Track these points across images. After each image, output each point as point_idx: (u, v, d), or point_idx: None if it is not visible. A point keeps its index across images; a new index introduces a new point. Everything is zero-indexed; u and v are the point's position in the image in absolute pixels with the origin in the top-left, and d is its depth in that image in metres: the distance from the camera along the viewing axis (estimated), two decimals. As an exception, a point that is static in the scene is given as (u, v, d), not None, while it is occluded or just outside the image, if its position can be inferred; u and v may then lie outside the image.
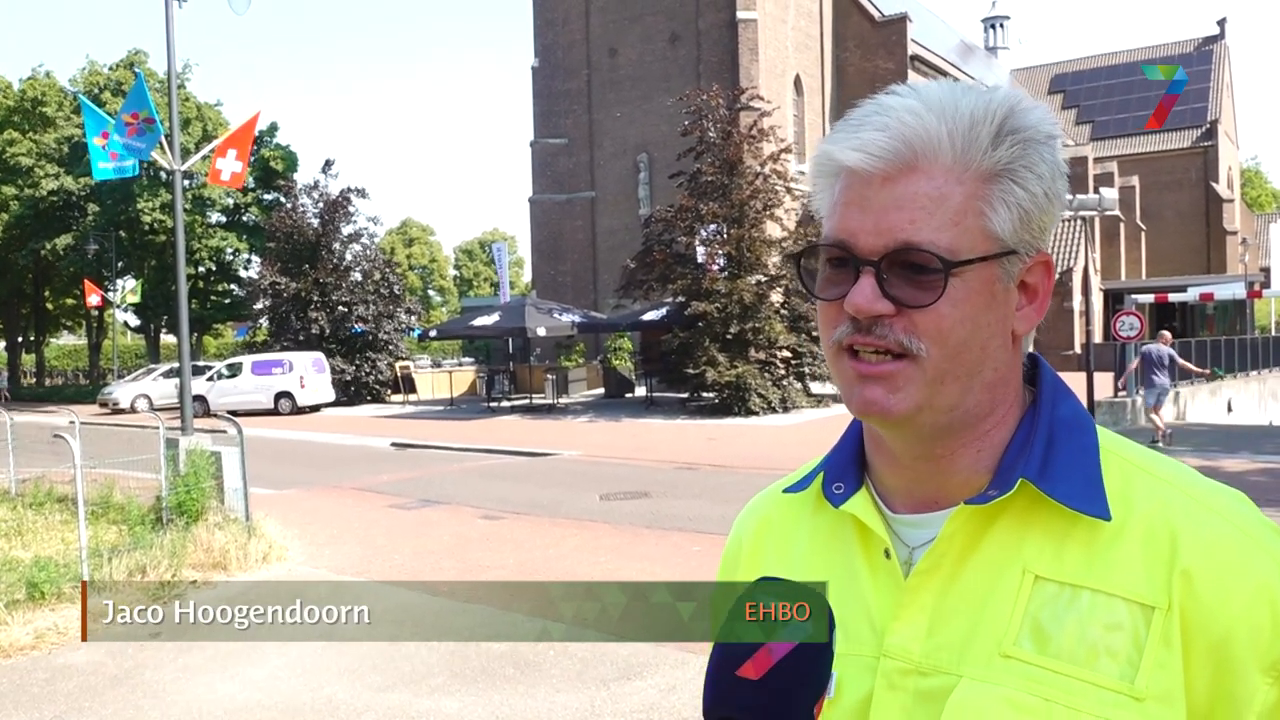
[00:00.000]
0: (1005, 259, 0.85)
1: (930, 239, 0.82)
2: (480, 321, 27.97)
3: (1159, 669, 0.78)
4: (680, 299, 24.76)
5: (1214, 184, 50.39)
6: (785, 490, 1.03)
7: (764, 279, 24.35)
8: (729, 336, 23.38)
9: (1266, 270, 49.09)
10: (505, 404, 29.48)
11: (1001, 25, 64.40)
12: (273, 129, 43.56)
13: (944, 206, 0.83)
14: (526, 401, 29.27)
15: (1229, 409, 24.80)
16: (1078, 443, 0.88)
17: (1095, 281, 40.14)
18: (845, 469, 0.95)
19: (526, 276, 64.01)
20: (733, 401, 23.22)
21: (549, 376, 29.31)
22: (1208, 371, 18.43)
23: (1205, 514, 0.82)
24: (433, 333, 32.85)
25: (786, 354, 24.53)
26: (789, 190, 26.05)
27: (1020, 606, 0.83)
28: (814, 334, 24.71)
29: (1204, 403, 23.56)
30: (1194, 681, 0.78)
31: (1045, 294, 0.89)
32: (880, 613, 0.89)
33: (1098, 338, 34.96)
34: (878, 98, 0.88)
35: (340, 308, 32.46)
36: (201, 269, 43.13)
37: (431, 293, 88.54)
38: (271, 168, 41.72)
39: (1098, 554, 0.82)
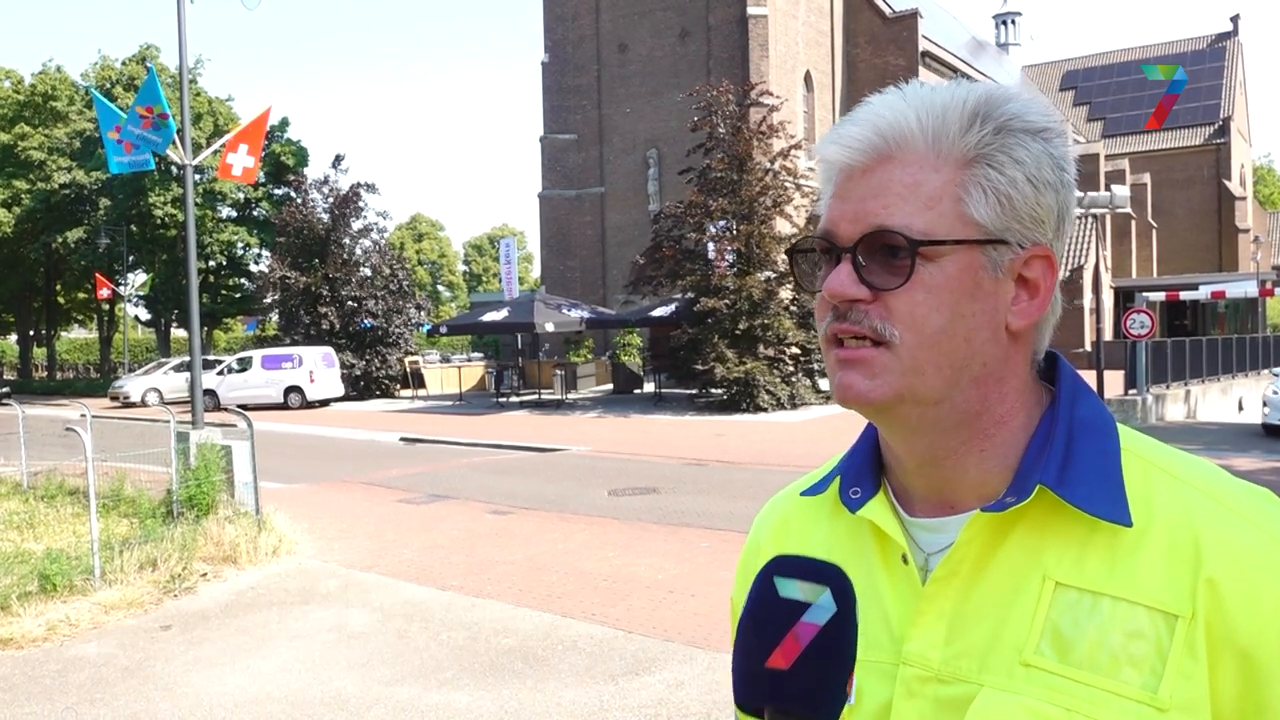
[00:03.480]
0: (991, 247, 0.83)
1: (904, 222, 0.82)
2: (489, 317, 27.99)
3: (1183, 679, 0.76)
4: (689, 295, 24.76)
5: (1226, 181, 50.15)
6: (803, 493, 1.02)
7: (773, 275, 24.31)
8: (738, 333, 23.37)
9: (1278, 268, 48.86)
10: (514, 399, 29.53)
11: (1013, 22, 64.20)
12: (283, 124, 43.61)
13: (919, 192, 0.83)
14: (535, 397, 29.30)
15: (1240, 407, 24.70)
16: (1098, 446, 0.86)
17: (1106, 279, 40.00)
18: (862, 473, 0.95)
19: (535, 272, 64.05)
20: (741, 398, 23.22)
21: (557, 372, 29.34)
22: None
23: (1230, 519, 0.80)
24: (442, 328, 32.85)
25: (795, 351, 24.50)
26: (798, 186, 26.00)
27: (1041, 614, 0.81)
28: (823, 331, 24.66)
29: (1215, 401, 23.48)
30: (1220, 692, 0.77)
31: (1047, 290, 0.86)
32: (899, 619, 0.88)
33: (1108, 335, 34.88)
34: (868, 98, 0.89)
35: (350, 302, 32.54)
36: (212, 263, 43.21)
37: (441, 288, 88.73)
38: (282, 163, 41.79)
39: (1119, 560, 0.80)
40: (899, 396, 0.84)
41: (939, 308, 0.82)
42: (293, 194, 35.82)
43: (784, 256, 24.39)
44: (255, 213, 43.83)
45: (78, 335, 71.50)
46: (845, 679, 0.72)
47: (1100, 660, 0.78)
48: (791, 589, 0.74)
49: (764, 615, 0.74)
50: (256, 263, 44.97)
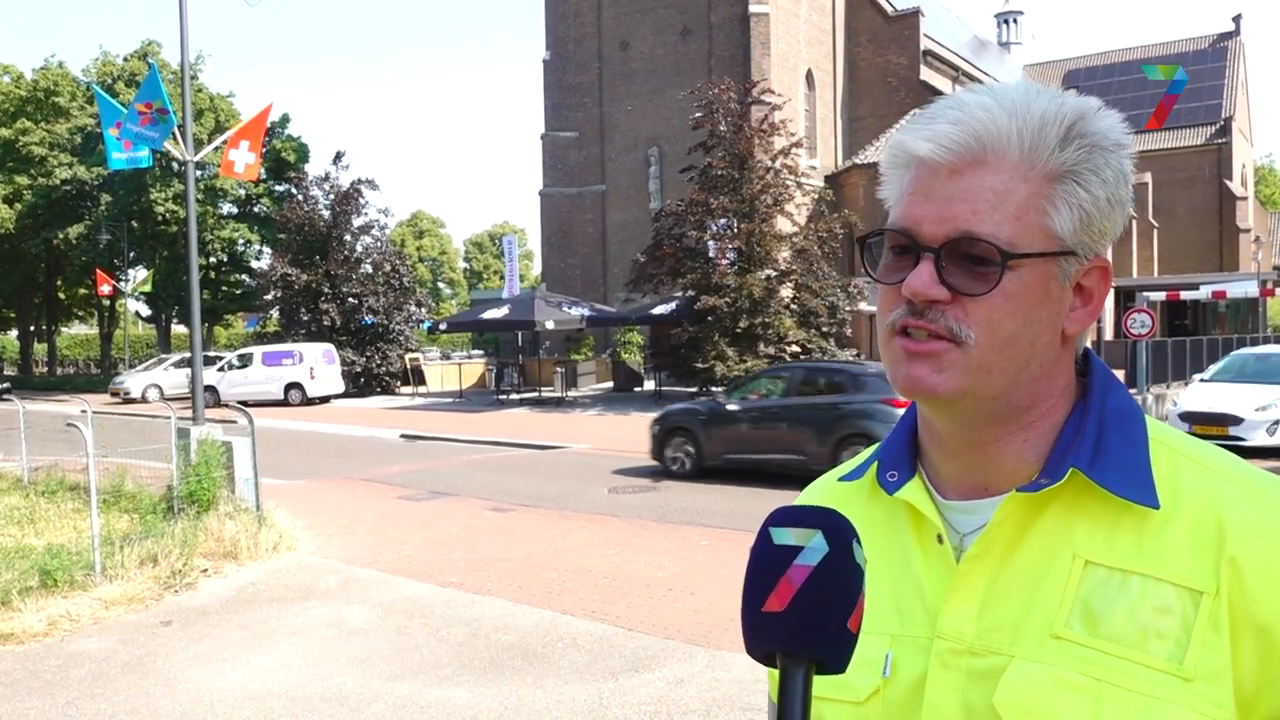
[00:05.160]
0: (1063, 259, 0.88)
1: (991, 231, 0.85)
2: (490, 314, 27.99)
3: (1206, 651, 0.81)
4: (690, 293, 24.77)
5: (1227, 181, 50.09)
6: (840, 479, 1.07)
7: (774, 274, 24.32)
8: (738, 331, 23.37)
9: (1279, 268, 48.81)
10: (514, 397, 29.52)
11: (1014, 20, 64.18)
12: (284, 120, 43.62)
13: (1008, 201, 0.85)
14: (535, 394, 29.30)
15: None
16: (1127, 433, 0.90)
17: (1107, 278, 39.89)
18: (899, 457, 0.99)
19: (536, 269, 64.06)
20: (742, 396, 23.19)
21: (558, 370, 29.33)
22: None
23: (1253, 503, 0.85)
24: (442, 325, 32.88)
25: (796, 349, 24.51)
26: (799, 185, 26.00)
27: (1071, 590, 0.85)
28: (823, 329, 24.70)
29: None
30: (1241, 665, 0.81)
31: (1100, 298, 0.92)
32: (933, 596, 0.92)
33: (1109, 335, 34.84)
34: (955, 93, 0.91)
35: (350, 299, 32.55)
36: (213, 259, 43.25)
37: (441, 285, 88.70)
38: (283, 159, 41.80)
39: (1147, 541, 0.85)
40: (963, 391, 0.87)
41: (1014, 314, 0.86)
42: (294, 190, 35.82)
43: (785, 255, 24.46)
44: (256, 209, 43.85)
45: (78, 331, 71.52)
46: (846, 617, 0.73)
47: (1128, 634, 0.83)
48: (784, 536, 0.75)
49: (760, 564, 0.76)
50: (257, 259, 44.99)
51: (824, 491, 1.09)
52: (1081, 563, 0.86)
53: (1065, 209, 0.87)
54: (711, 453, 13.37)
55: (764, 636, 0.75)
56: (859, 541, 0.75)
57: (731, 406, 13.47)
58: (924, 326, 0.86)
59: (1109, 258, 0.92)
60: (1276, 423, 13.62)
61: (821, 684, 0.77)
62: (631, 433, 19.50)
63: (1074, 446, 0.89)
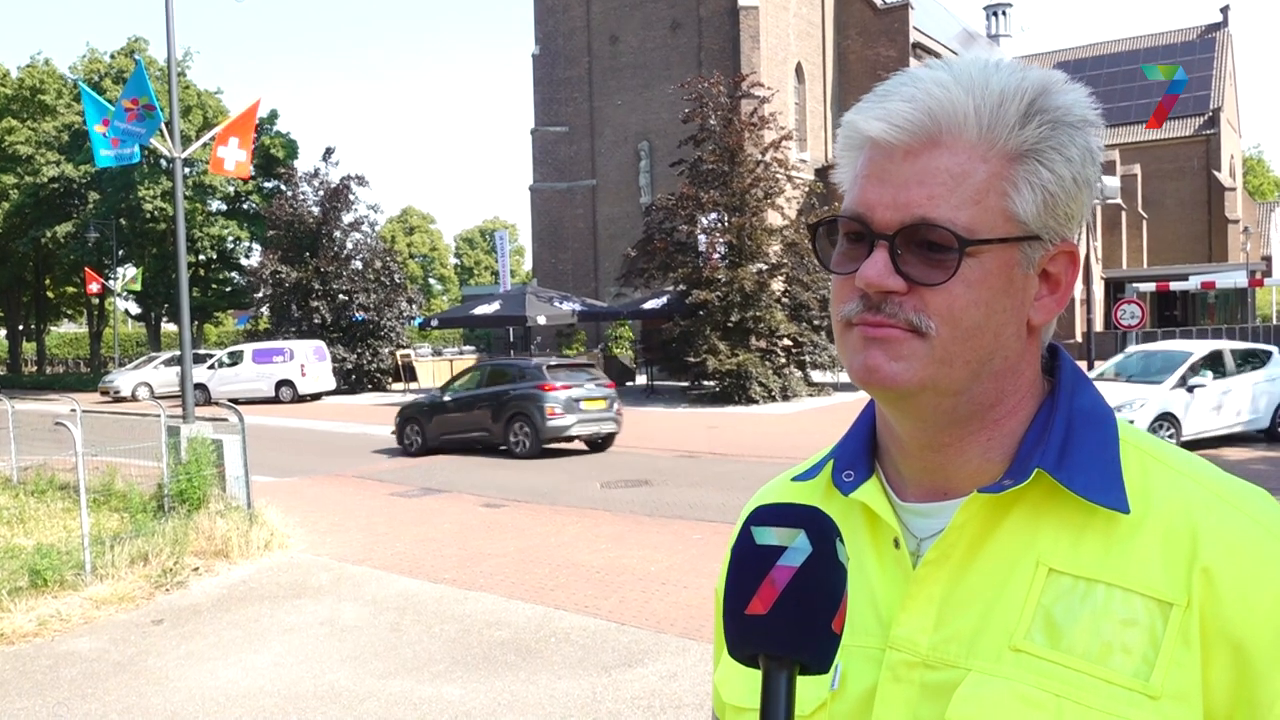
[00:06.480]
0: (1026, 244, 0.82)
1: (949, 216, 0.79)
2: (481, 310, 27.95)
3: (1175, 667, 0.76)
4: (681, 287, 24.77)
5: (1216, 172, 50.25)
6: (794, 479, 1.01)
7: (765, 267, 24.33)
8: (730, 325, 23.38)
9: (1268, 259, 48.98)
10: (506, 392, 29.47)
11: (1004, 12, 64.21)
12: (273, 116, 43.48)
13: (965, 184, 0.80)
14: (527, 390, 29.25)
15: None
16: (1097, 434, 0.85)
17: (1096, 270, 40.10)
18: (856, 457, 0.93)
19: (527, 265, 64.00)
20: (733, 390, 23.24)
21: (550, 365, 29.26)
22: None
23: (1227, 510, 0.80)
24: (434, 321, 32.80)
25: (787, 343, 24.55)
26: (790, 178, 26.00)
27: (1033, 599, 0.80)
28: (815, 323, 24.71)
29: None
30: (1212, 682, 0.76)
31: (1068, 285, 0.86)
32: (887, 603, 0.86)
33: (1099, 326, 34.93)
34: (910, 69, 0.85)
35: (341, 296, 32.48)
36: (202, 257, 43.12)
37: (432, 281, 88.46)
38: (272, 155, 41.65)
39: (1115, 547, 0.80)
40: (923, 385, 0.82)
41: (976, 303, 0.80)
42: (283, 187, 35.72)
43: (776, 249, 24.46)
44: (245, 206, 43.74)
45: (67, 330, 71.20)
46: (830, 618, 0.70)
47: (1092, 647, 0.77)
48: (767, 536, 0.72)
49: (742, 565, 0.73)
50: (247, 256, 44.88)
51: (778, 491, 1.03)
52: (1045, 570, 0.80)
53: (1027, 190, 0.80)
54: (433, 435, 16.20)
55: (746, 640, 0.72)
56: (842, 539, 0.72)
57: (446, 398, 16.37)
58: (882, 322, 0.81)
59: (1078, 243, 0.86)
60: (1131, 423, 13.42)
61: None
62: (623, 428, 19.46)
63: (1040, 446, 0.83)
